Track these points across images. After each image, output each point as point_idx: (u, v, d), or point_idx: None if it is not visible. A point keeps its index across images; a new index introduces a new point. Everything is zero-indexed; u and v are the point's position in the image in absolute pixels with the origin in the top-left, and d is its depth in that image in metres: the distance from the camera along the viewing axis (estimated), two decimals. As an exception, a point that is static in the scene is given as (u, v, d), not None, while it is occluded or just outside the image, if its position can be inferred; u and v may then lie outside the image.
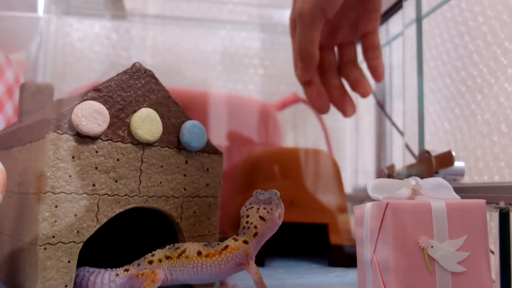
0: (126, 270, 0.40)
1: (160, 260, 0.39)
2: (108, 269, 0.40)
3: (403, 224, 0.35)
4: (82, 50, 0.98)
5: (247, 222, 0.41)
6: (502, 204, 0.38)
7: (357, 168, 0.98)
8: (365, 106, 1.00)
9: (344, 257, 0.58)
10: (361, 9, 0.57)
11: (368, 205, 0.39)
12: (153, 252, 0.40)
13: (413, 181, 0.39)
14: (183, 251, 0.39)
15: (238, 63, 1.02)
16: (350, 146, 1.00)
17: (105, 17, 0.95)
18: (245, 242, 0.40)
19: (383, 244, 0.36)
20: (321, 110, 0.60)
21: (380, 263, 0.36)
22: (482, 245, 0.35)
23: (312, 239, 0.63)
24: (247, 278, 0.47)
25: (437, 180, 0.40)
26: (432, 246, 0.35)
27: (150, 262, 0.39)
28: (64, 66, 0.97)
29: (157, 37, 1.01)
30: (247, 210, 0.42)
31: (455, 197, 0.38)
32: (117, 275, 0.39)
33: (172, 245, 0.41)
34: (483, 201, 0.36)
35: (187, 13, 1.01)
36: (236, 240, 0.40)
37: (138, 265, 0.40)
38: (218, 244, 0.40)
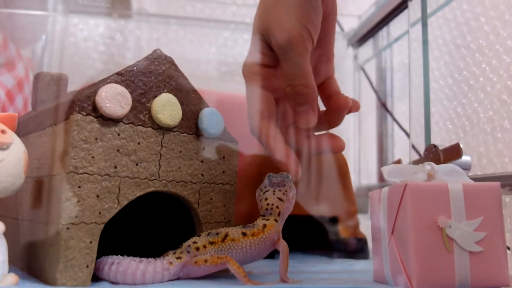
0: (179, 258, 0.38)
1: (204, 246, 0.38)
2: (152, 258, 0.38)
3: (422, 205, 0.36)
4: (87, 50, 0.99)
5: (267, 204, 0.41)
6: (516, 186, 0.38)
7: (360, 169, 0.99)
8: (367, 107, 1.01)
9: (353, 250, 0.59)
10: (319, 51, 0.48)
11: (385, 189, 0.40)
12: (193, 239, 0.39)
13: (428, 166, 0.40)
14: (226, 235, 0.39)
15: (241, 64, 1.03)
16: (353, 147, 1.01)
17: (111, 16, 0.95)
18: (276, 220, 0.41)
19: (401, 225, 0.36)
20: (297, 174, 0.46)
21: (398, 244, 0.37)
22: (497, 226, 0.36)
23: (319, 232, 0.63)
24: (262, 266, 0.47)
25: (451, 166, 0.41)
26: (450, 226, 0.35)
27: (197, 249, 0.38)
28: (69, 66, 0.97)
29: (161, 38, 1.02)
30: (264, 193, 0.43)
31: (469, 182, 0.39)
32: (171, 263, 0.37)
33: (207, 232, 0.40)
34: (498, 183, 0.37)
35: (191, 14, 1.02)
36: (267, 219, 0.41)
37: (188, 252, 0.38)
38: (253, 225, 0.40)
